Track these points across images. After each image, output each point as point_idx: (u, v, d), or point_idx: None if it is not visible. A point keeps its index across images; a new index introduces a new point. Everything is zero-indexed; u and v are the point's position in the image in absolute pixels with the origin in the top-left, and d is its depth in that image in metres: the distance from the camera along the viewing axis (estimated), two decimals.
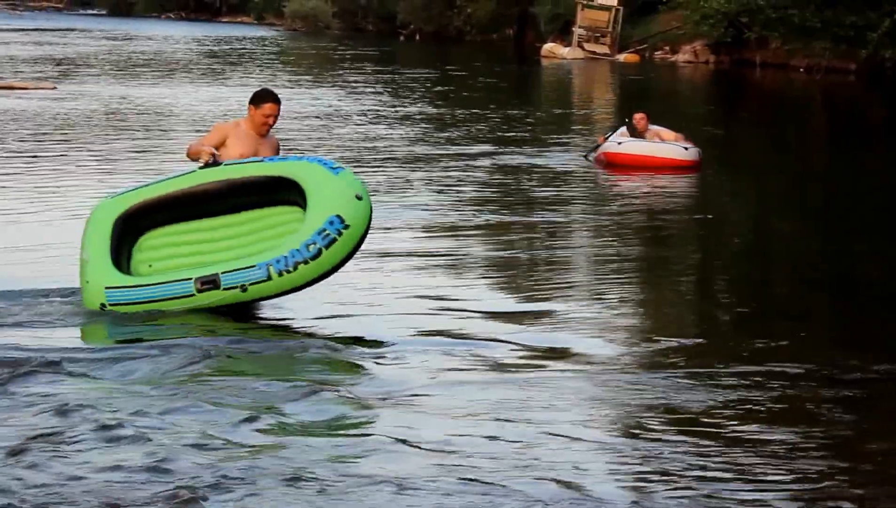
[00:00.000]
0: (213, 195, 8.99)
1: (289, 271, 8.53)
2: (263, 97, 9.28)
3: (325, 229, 8.56)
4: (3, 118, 22.49)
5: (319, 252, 8.54)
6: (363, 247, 9.44)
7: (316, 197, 8.73)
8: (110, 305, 8.59)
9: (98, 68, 38.62)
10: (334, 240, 8.56)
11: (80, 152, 18.40)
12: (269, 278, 8.52)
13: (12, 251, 11.10)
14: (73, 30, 69.43)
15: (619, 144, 18.45)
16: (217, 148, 9.11)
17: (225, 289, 8.51)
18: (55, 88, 29.70)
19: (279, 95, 9.44)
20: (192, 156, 9.10)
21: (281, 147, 9.60)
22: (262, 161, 9.01)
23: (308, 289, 9.66)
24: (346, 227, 8.59)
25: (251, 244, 8.95)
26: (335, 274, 8.84)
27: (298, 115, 25.06)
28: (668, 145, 18.39)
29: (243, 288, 8.52)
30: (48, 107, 24.86)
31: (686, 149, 18.32)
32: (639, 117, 18.98)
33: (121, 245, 8.94)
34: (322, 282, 8.83)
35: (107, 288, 8.59)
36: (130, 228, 9.02)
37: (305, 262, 8.54)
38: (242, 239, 9.04)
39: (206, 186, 8.97)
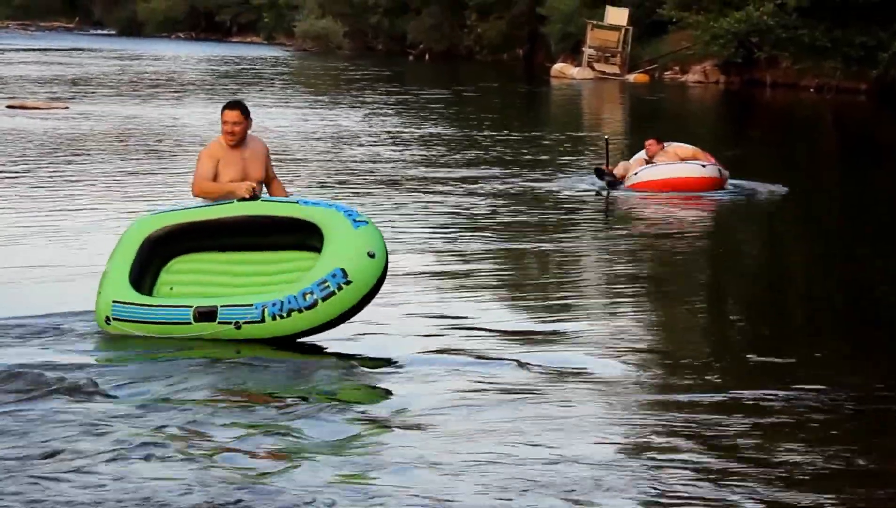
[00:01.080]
0: (244, 229, 8.96)
1: (282, 317, 8.44)
2: (223, 107, 9.14)
3: (325, 281, 8.45)
4: (17, 138, 22.58)
5: (315, 303, 8.43)
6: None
7: (330, 246, 8.64)
8: (113, 319, 8.63)
9: (109, 88, 38.73)
10: (332, 293, 8.43)
11: (93, 173, 18.42)
12: (263, 320, 8.45)
13: (29, 271, 11.16)
14: (84, 49, 69.55)
15: (636, 174, 18.07)
16: (214, 176, 8.99)
17: (220, 323, 8.48)
18: (67, 107, 29.82)
19: (243, 102, 9.30)
20: (211, 196, 9.01)
21: (269, 151, 9.44)
22: (295, 202, 9.00)
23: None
24: (348, 282, 8.46)
25: (263, 285, 8.87)
26: (341, 325, 8.69)
27: (310, 136, 25.11)
28: (683, 165, 18.02)
29: (237, 325, 8.48)
30: (60, 127, 24.94)
31: (704, 166, 18.01)
32: (648, 144, 18.55)
33: (148, 264, 8.95)
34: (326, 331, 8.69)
35: (114, 301, 8.65)
36: (163, 249, 9.03)
37: (300, 310, 8.44)
38: (258, 278, 8.97)
39: (239, 219, 8.93)
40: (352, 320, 8.78)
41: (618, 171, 18.28)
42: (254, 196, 8.93)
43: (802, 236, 15.38)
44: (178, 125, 26.54)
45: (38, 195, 16.01)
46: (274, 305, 8.43)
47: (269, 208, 8.94)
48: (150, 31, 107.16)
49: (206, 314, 8.48)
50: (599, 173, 18.34)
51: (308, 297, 8.41)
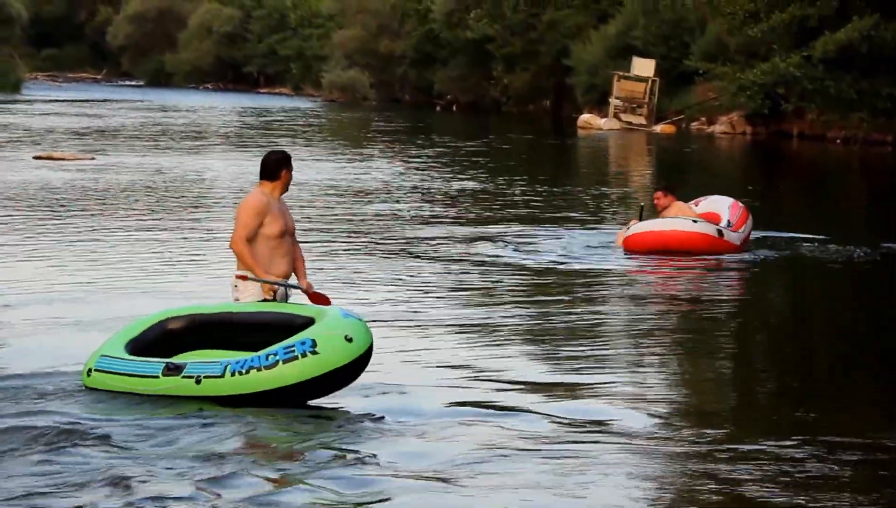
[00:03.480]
0: (259, 327, 8.95)
1: (241, 373, 8.38)
2: (288, 159, 9.32)
3: (291, 346, 8.41)
4: (42, 189, 22.69)
5: (275, 363, 8.35)
6: (396, 321, 9.41)
7: (311, 327, 8.62)
8: (95, 370, 8.68)
9: (136, 140, 38.92)
10: (295, 358, 8.36)
11: (117, 226, 18.49)
12: (223, 375, 8.41)
13: (44, 324, 11.22)
14: (111, 101, 70.17)
15: (628, 228, 16.90)
16: (256, 227, 9.04)
17: (183, 377, 8.46)
18: (94, 158, 29.96)
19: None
20: (244, 262, 9.04)
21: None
22: (309, 307, 9.03)
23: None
24: (314, 352, 8.37)
25: None
26: (307, 398, 8.61)
27: (333, 189, 25.14)
28: (673, 220, 16.65)
29: (198, 380, 8.44)
30: (86, 178, 25.04)
31: (695, 222, 16.62)
32: (657, 196, 17.35)
33: (158, 345, 8.98)
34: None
35: (101, 355, 8.72)
36: (178, 339, 9.07)
37: (259, 369, 8.37)
38: None
39: (257, 316, 8.97)
40: (350, 385, 8.71)
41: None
42: (276, 298, 9.04)
43: (830, 289, 15.30)
44: (205, 178, 26.65)
45: (61, 247, 16.08)
46: (237, 363, 8.43)
47: (288, 310, 9.00)
48: (178, 81, 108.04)
49: (174, 369, 8.49)
50: None
51: (270, 358, 8.38)
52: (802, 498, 6.98)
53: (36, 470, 7.12)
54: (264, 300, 9.03)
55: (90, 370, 8.71)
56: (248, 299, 9.10)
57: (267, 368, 8.33)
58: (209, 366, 8.47)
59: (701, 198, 17.88)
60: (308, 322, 8.71)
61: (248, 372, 8.35)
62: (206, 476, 7.05)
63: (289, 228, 9.28)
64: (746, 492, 7.07)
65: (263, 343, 8.66)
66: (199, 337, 9.08)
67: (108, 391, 8.75)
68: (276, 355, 8.36)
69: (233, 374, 8.37)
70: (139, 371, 8.56)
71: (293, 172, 9.33)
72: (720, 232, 16.66)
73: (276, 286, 9.03)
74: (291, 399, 8.47)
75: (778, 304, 14.44)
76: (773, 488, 7.16)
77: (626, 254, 16.54)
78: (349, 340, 8.45)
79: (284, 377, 8.34)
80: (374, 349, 8.81)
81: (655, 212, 17.24)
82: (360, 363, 8.60)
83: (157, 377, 8.50)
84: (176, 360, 8.60)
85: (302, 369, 8.34)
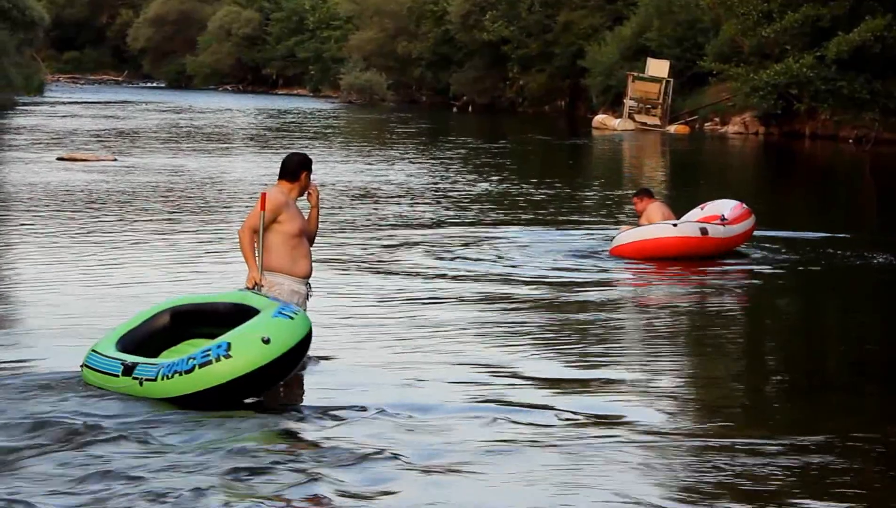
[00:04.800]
0: (235, 317, 9.01)
1: (167, 378, 8.37)
2: (308, 162, 9.50)
3: (208, 350, 8.37)
4: (64, 189, 22.75)
5: (192, 368, 8.31)
6: (409, 319, 9.50)
7: (234, 328, 8.62)
8: (85, 365, 8.82)
9: (157, 141, 38.81)
10: (209, 362, 8.30)
11: (137, 225, 18.49)
12: (156, 379, 8.42)
13: (64, 322, 11.25)
14: (132, 102, 70.04)
15: (613, 238, 16.60)
16: (270, 221, 9.21)
17: (133, 377, 8.51)
18: (115, 159, 30.12)
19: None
20: (243, 251, 9.24)
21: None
22: (261, 299, 9.01)
23: (357, 355, 10.03)
24: (228, 356, 8.31)
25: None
26: (234, 398, 8.49)
27: (351, 189, 25.14)
28: (652, 228, 16.29)
29: (140, 382, 8.48)
30: (107, 179, 25.07)
31: (675, 225, 16.30)
32: (634, 202, 17.04)
33: (156, 338, 9.18)
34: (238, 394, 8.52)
35: (92, 350, 8.87)
36: (175, 330, 9.26)
37: (180, 373, 8.34)
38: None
39: (231, 307, 9.09)
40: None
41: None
42: (257, 287, 9.15)
43: (841, 290, 15.04)
44: (225, 178, 26.54)
45: (84, 247, 16.07)
46: (167, 367, 8.43)
47: (246, 299, 9.07)
48: (198, 83, 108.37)
49: (128, 369, 8.56)
50: None
51: (190, 362, 8.34)
52: (812, 493, 7.02)
53: (54, 468, 7.17)
54: (246, 289, 9.11)
55: (84, 365, 8.87)
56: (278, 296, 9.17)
57: (187, 372, 8.32)
58: (148, 369, 8.48)
59: (708, 202, 17.50)
60: (254, 314, 8.79)
61: (173, 376, 8.35)
62: (223, 471, 7.12)
63: (308, 229, 9.45)
64: (757, 487, 7.10)
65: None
66: (191, 328, 9.22)
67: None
68: (194, 359, 8.35)
69: (162, 378, 8.39)
70: (106, 369, 8.65)
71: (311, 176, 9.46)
72: (704, 230, 16.33)
73: (257, 278, 9.11)
74: (226, 401, 8.39)
75: (788, 303, 14.20)
76: (782, 483, 7.19)
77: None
78: (266, 342, 8.37)
79: (200, 380, 8.32)
80: (316, 345, 8.87)
81: (637, 218, 17.02)
82: (280, 364, 8.48)
83: (116, 375, 8.58)
84: (133, 360, 8.63)
85: (215, 373, 8.30)
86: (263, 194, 9.31)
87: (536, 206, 22.75)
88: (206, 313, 9.20)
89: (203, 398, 8.33)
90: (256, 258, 9.26)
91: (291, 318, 8.59)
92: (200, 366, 8.29)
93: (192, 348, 9.01)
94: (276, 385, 8.75)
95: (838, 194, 30.01)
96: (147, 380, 8.43)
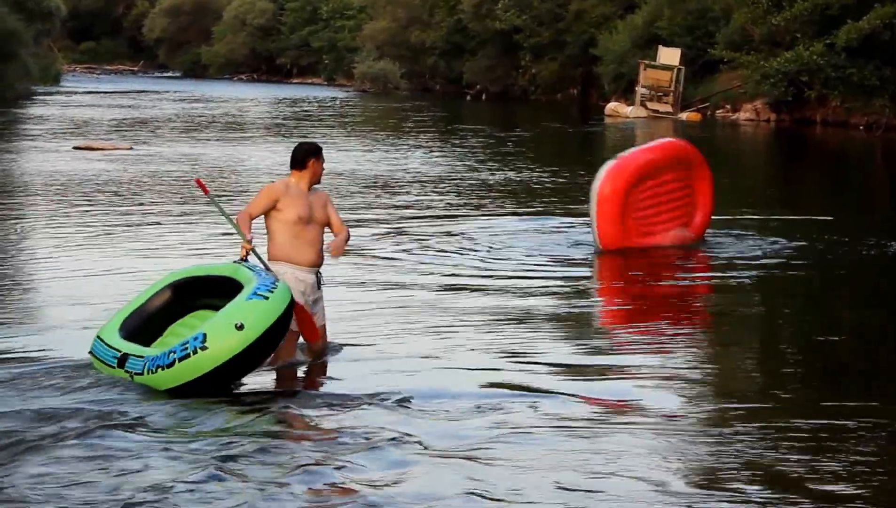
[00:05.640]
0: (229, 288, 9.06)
1: (152, 372, 8.47)
2: (321, 150, 9.58)
3: (187, 343, 8.44)
4: (81, 178, 22.88)
5: (173, 362, 8.40)
6: (428, 305, 9.66)
7: (210, 318, 8.70)
8: (91, 352, 8.96)
9: (172, 129, 38.88)
10: (187, 356, 8.38)
11: (154, 212, 18.56)
12: (143, 372, 8.53)
13: (81, 311, 11.28)
14: (148, 92, 70.11)
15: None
16: (269, 210, 9.30)
17: (125, 370, 8.63)
18: (131, 148, 30.27)
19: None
20: (240, 219, 9.25)
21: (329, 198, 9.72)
22: (246, 272, 9.05)
23: (375, 342, 10.21)
24: (204, 348, 8.38)
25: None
26: (220, 386, 8.56)
27: (366, 178, 25.22)
28: None
29: (131, 376, 8.61)
30: (123, 167, 25.17)
31: None
32: None
33: (159, 317, 9.32)
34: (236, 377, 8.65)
35: (97, 337, 8.99)
36: (178, 303, 9.38)
37: (163, 367, 8.44)
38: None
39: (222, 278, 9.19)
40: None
41: None
42: (245, 259, 9.16)
43: (857, 274, 14.98)
44: (240, 166, 26.54)
45: (97, 234, 16.24)
46: (153, 360, 8.50)
47: (230, 272, 9.17)
48: (213, 73, 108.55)
49: (121, 361, 8.67)
50: None
51: (171, 356, 8.42)
52: (831, 477, 7.05)
53: (68, 455, 7.24)
54: (240, 261, 9.14)
55: (90, 352, 9.00)
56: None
57: (168, 366, 8.40)
58: (137, 362, 8.57)
59: None
60: (239, 289, 8.84)
61: (156, 371, 8.45)
62: (237, 456, 7.16)
63: (315, 217, 9.39)
64: (776, 470, 7.14)
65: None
66: (194, 300, 9.33)
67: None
68: (174, 353, 8.43)
69: (148, 372, 8.49)
70: (105, 359, 8.79)
71: (324, 164, 9.52)
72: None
73: (247, 247, 9.09)
74: (209, 389, 8.46)
75: (803, 288, 14.05)
76: (800, 466, 7.22)
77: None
78: (240, 328, 8.41)
79: (182, 374, 8.40)
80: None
81: None
82: (259, 345, 8.53)
83: (113, 366, 8.71)
84: (126, 350, 8.73)
85: (194, 366, 8.37)
86: (198, 179, 9.70)
87: (555, 194, 22.73)
88: (206, 284, 9.29)
89: (192, 388, 8.42)
90: (251, 234, 9.21)
91: (266, 297, 8.59)
92: (180, 360, 8.37)
93: (198, 321, 9.15)
94: (263, 362, 8.83)
95: (850, 179, 30.07)
96: (136, 374, 8.55)
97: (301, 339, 9.54)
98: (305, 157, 9.48)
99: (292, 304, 8.83)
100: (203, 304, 9.34)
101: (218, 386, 8.52)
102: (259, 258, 9.21)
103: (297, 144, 9.71)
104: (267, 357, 8.86)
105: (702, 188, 16.45)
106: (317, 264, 9.51)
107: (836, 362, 10.41)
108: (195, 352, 8.35)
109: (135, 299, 9.41)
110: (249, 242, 9.11)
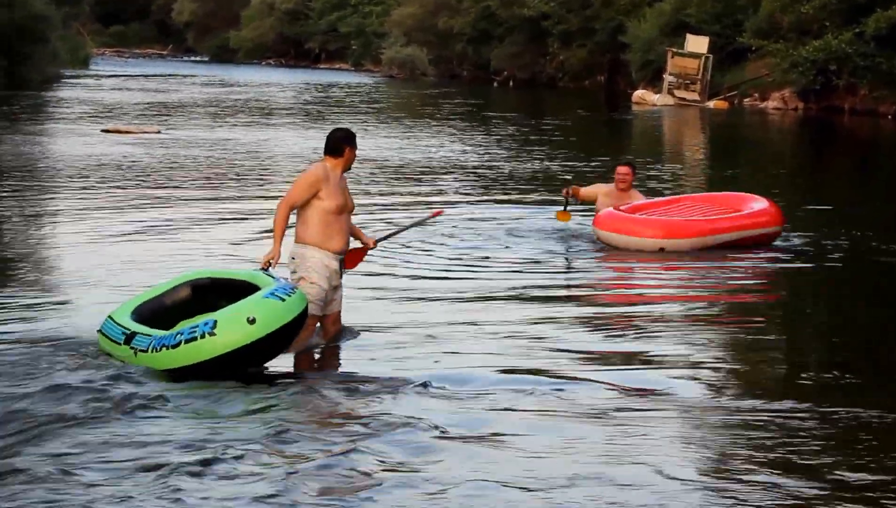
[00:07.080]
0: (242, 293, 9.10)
1: (157, 350, 8.51)
2: (354, 138, 9.59)
3: (195, 327, 8.50)
4: (110, 161, 22.96)
5: (179, 343, 8.45)
6: (451, 290, 9.60)
7: (224, 308, 8.74)
8: (99, 330, 9.01)
9: (200, 113, 39.04)
10: (194, 339, 8.43)
11: (181, 197, 18.55)
12: (147, 350, 8.55)
13: (104, 294, 11.24)
14: (176, 76, 70.39)
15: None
16: (311, 197, 9.29)
17: (130, 347, 8.67)
18: (159, 131, 30.40)
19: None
20: (276, 226, 9.29)
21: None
22: (263, 277, 9.10)
23: (396, 327, 10.22)
24: (213, 334, 8.42)
25: None
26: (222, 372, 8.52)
27: (411, 163, 25.25)
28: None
29: (135, 352, 8.63)
30: (151, 151, 25.25)
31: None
32: (623, 173, 15.29)
33: (173, 311, 9.30)
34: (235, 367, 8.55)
35: (108, 317, 9.05)
36: (195, 302, 9.38)
37: (167, 348, 8.48)
38: None
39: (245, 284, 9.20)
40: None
41: (586, 191, 15.69)
42: (266, 269, 9.21)
43: (881, 266, 14.73)
44: (271, 152, 26.51)
45: (124, 217, 16.30)
46: (159, 339, 8.56)
47: (253, 277, 9.21)
48: (241, 57, 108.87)
49: (128, 338, 8.71)
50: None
51: (177, 337, 8.48)
52: (850, 467, 7.04)
53: (84, 436, 7.26)
54: (263, 270, 9.16)
55: (99, 331, 9.04)
56: (306, 272, 9.33)
57: (173, 347, 8.46)
58: (143, 340, 8.61)
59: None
60: (253, 291, 8.90)
61: (160, 350, 8.49)
62: (260, 440, 7.17)
63: (348, 205, 9.45)
64: (797, 461, 7.12)
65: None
66: (210, 301, 9.27)
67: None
68: (181, 334, 8.47)
69: (153, 350, 8.52)
70: (113, 336, 8.83)
71: (357, 151, 9.52)
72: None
73: (273, 258, 9.19)
74: (211, 373, 8.47)
75: (827, 278, 13.86)
76: (822, 457, 7.21)
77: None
78: (251, 322, 8.45)
79: (185, 356, 8.45)
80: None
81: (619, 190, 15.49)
82: (265, 343, 8.57)
83: (119, 343, 8.74)
84: (134, 328, 8.77)
85: (199, 349, 8.42)
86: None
87: (582, 182, 22.72)
88: (224, 287, 9.32)
89: (189, 372, 8.45)
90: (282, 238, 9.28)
91: (283, 300, 8.66)
92: (186, 342, 8.42)
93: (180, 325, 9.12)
94: (263, 364, 8.85)
95: (879, 170, 29.95)
96: (140, 351, 8.58)
97: (318, 324, 9.61)
98: (341, 144, 9.47)
99: (305, 311, 8.89)
100: (219, 306, 9.20)
101: (213, 375, 8.49)
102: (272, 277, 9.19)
103: (332, 130, 9.73)
104: (270, 358, 8.88)
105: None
106: (344, 251, 9.58)
107: (864, 355, 10.31)
108: (202, 336, 8.40)
109: (152, 289, 9.51)
110: (275, 257, 9.21)
